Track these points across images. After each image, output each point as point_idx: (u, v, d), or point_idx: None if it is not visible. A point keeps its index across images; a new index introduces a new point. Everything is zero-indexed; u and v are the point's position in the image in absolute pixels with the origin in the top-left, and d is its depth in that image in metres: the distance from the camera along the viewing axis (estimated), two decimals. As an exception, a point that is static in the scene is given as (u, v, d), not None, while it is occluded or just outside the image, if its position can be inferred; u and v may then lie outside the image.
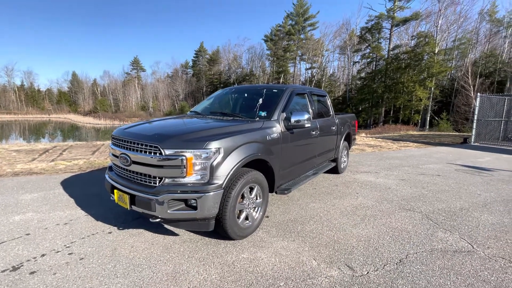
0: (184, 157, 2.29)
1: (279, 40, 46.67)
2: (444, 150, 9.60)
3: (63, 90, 79.50)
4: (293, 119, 3.28)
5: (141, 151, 2.47)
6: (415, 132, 19.38)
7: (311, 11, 44.53)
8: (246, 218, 2.78)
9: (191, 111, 4.22)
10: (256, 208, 2.91)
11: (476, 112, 11.65)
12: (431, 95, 29.29)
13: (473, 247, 2.66)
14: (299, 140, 3.63)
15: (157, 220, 2.40)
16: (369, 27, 35.33)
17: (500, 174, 5.93)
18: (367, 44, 37.24)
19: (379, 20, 34.01)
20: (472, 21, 34.08)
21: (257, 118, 3.29)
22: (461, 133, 17.85)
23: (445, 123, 23.21)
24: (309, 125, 3.39)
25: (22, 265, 2.21)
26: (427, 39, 29.10)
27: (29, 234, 2.75)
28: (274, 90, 3.84)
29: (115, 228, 2.92)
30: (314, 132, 4.01)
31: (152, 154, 2.38)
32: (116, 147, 2.76)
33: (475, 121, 11.71)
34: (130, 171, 2.60)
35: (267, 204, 3.13)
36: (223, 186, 2.42)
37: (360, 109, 35.43)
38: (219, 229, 2.57)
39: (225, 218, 2.46)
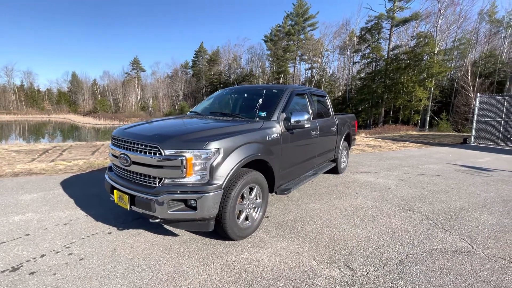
0: (184, 158, 2.29)
1: (279, 40, 46.69)
2: (443, 150, 9.60)
3: (63, 90, 79.54)
4: (293, 120, 3.28)
5: (141, 152, 2.47)
6: (414, 132, 19.39)
7: (310, 11, 44.63)
8: (246, 218, 2.78)
9: (191, 111, 4.22)
10: (256, 208, 2.91)
11: (476, 112, 11.66)
12: (431, 95, 29.30)
13: (472, 248, 2.66)
14: (299, 141, 3.63)
15: (157, 220, 2.40)
16: (368, 27, 35.36)
17: (499, 174, 5.93)
18: (367, 45, 37.26)
19: (378, 21, 34.04)
20: (471, 21, 34.18)
21: (257, 119, 3.29)
22: (461, 133, 17.86)
23: (444, 123, 23.21)
24: (309, 125, 3.39)
25: (21, 266, 2.21)
26: (426, 40, 29.12)
27: (28, 234, 2.75)
28: (274, 91, 3.84)
29: (115, 228, 2.92)
30: (314, 133, 4.01)
31: (152, 154, 2.38)
32: (116, 147, 2.76)
33: (474, 121, 11.72)
34: (130, 171, 2.60)
35: (267, 205, 3.13)
36: (223, 187, 2.42)
37: (359, 109, 35.44)
38: (219, 230, 2.57)
39: (225, 218, 2.46)
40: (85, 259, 2.33)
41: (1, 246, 2.52)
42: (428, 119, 29.41)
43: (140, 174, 2.51)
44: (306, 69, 48.75)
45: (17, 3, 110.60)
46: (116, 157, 2.72)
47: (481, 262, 2.39)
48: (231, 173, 2.46)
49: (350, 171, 5.92)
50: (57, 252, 2.42)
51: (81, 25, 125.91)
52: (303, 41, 44.87)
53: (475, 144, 11.45)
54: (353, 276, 2.16)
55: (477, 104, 11.61)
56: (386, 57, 33.64)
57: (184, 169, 2.30)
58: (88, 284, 2.00)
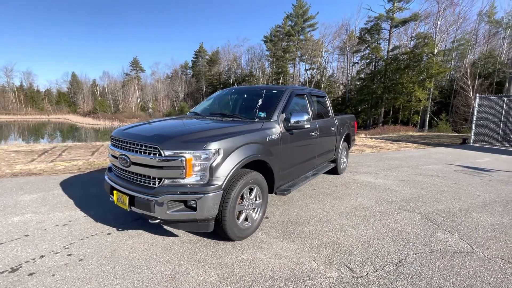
0: (183, 158, 2.29)
1: (279, 41, 46.74)
2: (443, 150, 9.61)
3: (63, 90, 79.49)
4: (292, 120, 3.28)
5: (140, 152, 2.47)
6: (414, 133, 19.41)
7: (310, 12, 44.71)
8: (246, 219, 2.78)
9: (190, 112, 4.22)
10: (256, 209, 2.91)
11: (475, 113, 11.67)
12: (430, 96, 29.35)
13: (472, 248, 2.66)
14: (298, 141, 3.63)
15: (157, 221, 2.39)
16: (368, 28, 35.41)
17: (499, 174, 5.94)
18: (366, 45, 37.32)
19: (378, 21, 34.10)
20: (471, 22, 34.27)
21: (257, 119, 3.29)
22: (460, 134, 17.88)
23: (444, 124, 23.24)
24: (308, 126, 3.39)
25: (21, 266, 2.21)
26: (426, 40, 29.19)
27: (28, 235, 2.75)
28: (273, 91, 3.84)
29: (114, 229, 2.92)
30: (313, 133, 4.01)
31: (152, 155, 2.38)
32: (116, 148, 2.75)
33: (474, 121, 11.74)
34: (129, 172, 2.60)
35: (267, 205, 3.13)
36: (222, 187, 2.42)
37: (359, 109, 35.48)
38: (218, 230, 2.57)
39: (224, 219, 2.46)
40: (84, 259, 2.33)
41: (0, 246, 2.51)
42: (427, 120, 29.45)
43: (140, 175, 2.51)
44: (306, 70, 48.86)
45: (17, 3, 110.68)
46: (116, 157, 2.72)
47: (481, 263, 2.39)
48: (230, 173, 2.46)
49: (349, 171, 5.92)
50: (57, 253, 2.42)
51: (81, 25, 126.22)
52: (303, 42, 44.93)
53: (475, 144, 11.46)
54: (352, 276, 2.16)
55: (476, 104, 11.63)
56: (385, 57, 33.70)
57: (184, 170, 2.30)
58: (87, 285, 2.00)
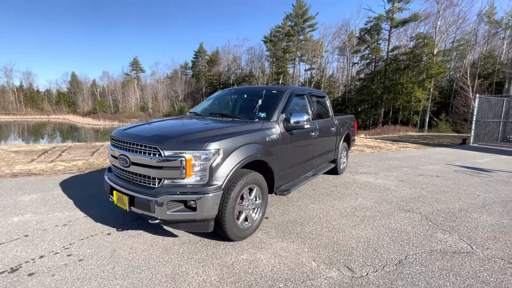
0: (183, 158, 2.29)
1: (279, 41, 46.76)
2: (443, 151, 9.62)
3: (62, 90, 79.47)
4: (292, 120, 3.28)
5: (140, 152, 2.47)
6: (414, 133, 19.42)
7: (310, 12, 44.73)
8: (246, 219, 2.78)
9: (190, 112, 4.22)
10: (256, 209, 2.91)
11: (475, 113, 11.68)
12: (430, 96, 29.36)
13: (472, 248, 2.66)
14: (298, 141, 3.64)
15: (156, 221, 2.39)
16: (368, 28, 35.43)
17: (499, 175, 5.94)
18: (366, 45, 37.34)
19: (378, 21, 34.12)
20: (470, 22, 34.31)
21: (257, 119, 3.29)
22: (460, 134, 17.89)
23: (444, 124, 23.24)
24: (308, 126, 3.38)
25: (20, 267, 2.21)
26: (426, 40, 29.20)
27: (27, 235, 2.74)
28: (273, 91, 3.84)
29: (114, 229, 2.92)
30: (313, 133, 4.01)
31: (152, 155, 2.38)
32: (115, 148, 2.75)
33: (474, 122, 11.74)
34: (129, 172, 2.60)
35: (267, 205, 3.13)
36: (222, 187, 2.42)
37: (359, 110, 35.49)
38: (218, 230, 2.57)
39: (224, 219, 2.46)
40: (84, 260, 2.32)
41: (0, 247, 2.51)
42: (427, 120, 29.46)
43: (140, 175, 2.51)
44: (306, 70, 48.88)
45: (16, 3, 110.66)
46: (116, 158, 2.72)
47: (481, 263, 2.39)
48: (230, 174, 2.46)
49: (349, 171, 5.92)
50: (56, 253, 2.41)
51: (81, 25, 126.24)
52: (303, 42, 44.95)
53: (474, 144, 11.47)
54: (352, 277, 2.16)
55: (476, 105, 11.64)
56: (385, 58, 33.72)
57: (184, 170, 2.30)
58: (87, 285, 2.00)
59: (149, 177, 2.43)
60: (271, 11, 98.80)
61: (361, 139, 13.07)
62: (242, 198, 2.69)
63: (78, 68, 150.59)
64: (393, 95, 30.81)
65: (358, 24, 41.58)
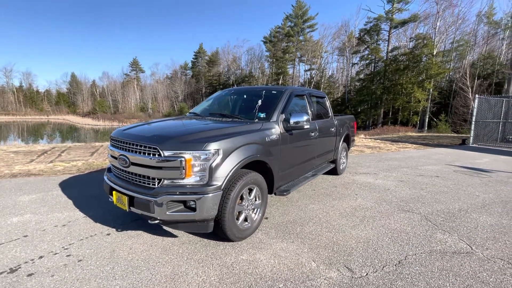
0: (183, 159, 2.29)
1: (278, 41, 46.82)
2: (442, 151, 9.62)
3: (62, 91, 79.45)
4: (292, 121, 3.28)
5: (140, 153, 2.46)
6: (413, 134, 19.43)
7: (310, 13, 44.84)
8: (245, 219, 2.77)
9: (190, 113, 4.22)
10: (255, 209, 2.91)
11: (475, 113, 11.69)
12: (430, 97, 29.40)
13: (472, 248, 2.66)
14: (298, 142, 3.64)
15: (156, 221, 2.39)
16: (367, 29, 35.51)
17: (498, 175, 5.94)
18: (365, 46, 37.41)
19: (377, 22, 34.20)
20: (470, 23, 34.40)
21: (256, 120, 3.30)
22: (460, 135, 17.91)
23: (443, 125, 23.26)
24: (308, 126, 3.39)
25: (19, 267, 2.20)
26: (425, 41, 29.27)
27: (27, 236, 2.74)
28: (273, 92, 3.84)
29: (114, 229, 2.91)
30: (313, 134, 4.02)
31: (151, 155, 2.38)
32: (115, 148, 2.75)
33: (473, 122, 11.76)
34: (129, 172, 2.60)
35: (266, 206, 3.13)
36: (222, 188, 2.42)
37: (359, 110, 35.52)
38: (218, 231, 2.57)
39: (224, 219, 2.45)
40: (83, 260, 2.32)
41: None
42: (427, 120, 29.50)
43: (139, 175, 2.50)
44: (305, 70, 48.97)
45: (16, 3, 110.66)
46: (115, 158, 2.72)
47: (480, 263, 2.39)
48: (230, 174, 2.46)
49: (349, 172, 5.93)
50: (56, 254, 2.41)
51: (81, 25, 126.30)
52: (302, 43, 45.00)
53: (474, 145, 11.48)
54: (352, 277, 2.16)
55: (475, 105, 11.65)
56: (385, 58, 33.79)
57: (183, 170, 2.30)
58: (86, 286, 1.99)
59: (148, 177, 2.43)
60: (271, 11, 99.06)
61: (360, 140, 13.08)
62: (241, 198, 2.69)
63: (78, 69, 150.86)
64: (392, 95, 30.85)
65: (357, 24, 41.71)
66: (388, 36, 33.99)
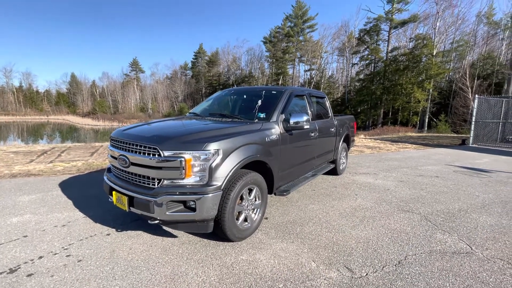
0: (183, 159, 2.29)
1: (278, 42, 46.85)
2: (442, 151, 9.63)
3: (62, 91, 79.38)
4: (292, 121, 3.28)
5: (139, 153, 2.46)
6: (413, 134, 19.44)
7: (310, 13, 44.86)
8: (245, 219, 2.77)
9: (190, 113, 4.22)
10: (255, 209, 2.91)
11: (474, 113, 11.70)
12: (430, 97, 29.42)
13: (471, 249, 2.66)
14: (298, 142, 3.64)
15: (156, 221, 2.39)
16: (367, 29, 35.54)
17: (498, 175, 5.95)
18: (365, 46, 37.44)
19: (377, 22, 34.22)
20: (469, 23, 34.44)
21: (256, 120, 3.30)
22: (460, 135, 17.92)
23: (443, 125, 23.26)
24: (308, 126, 3.39)
25: (19, 267, 2.20)
26: (425, 41, 29.29)
27: (26, 236, 2.74)
28: (273, 92, 3.84)
29: (114, 230, 2.91)
30: (313, 134, 4.02)
31: (151, 155, 2.38)
32: (115, 148, 2.75)
33: (473, 122, 11.76)
34: (128, 172, 2.60)
35: (266, 206, 3.13)
36: (222, 188, 2.42)
37: (358, 110, 35.54)
38: (218, 231, 2.57)
39: (224, 219, 2.45)
40: (83, 260, 2.32)
41: (-1, 247, 2.50)
42: (426, 121, 29.51)
43: (139, 175, 2.50)
44: (305, 71, 48.98)
45: (16, 3, 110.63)
46: (115, 158, 2.71)
47: (480, 263, 2.39)
48: (230, 174, 2.46)
49: (349, 172, 5.93)
50: (55, 254, 2.41)
51: (81, 25, 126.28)
52: (302, 43, 45.03)
53: (474, 145, 11.49)
54: (352, 277, 2.16)
55: (475, 105, 11.66)
56: (384, 58, 33.81)
57: (183, 170, 2.30)
58: (86, 286, 1.99)
59: (148, 177, 2.43)
60: (271, 12, 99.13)
61: (360, 140, 13.09)
62: (241, 198, 2.69)
63: (78, 69, 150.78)
64: (392, 95, 30.87)
65: (357, 25, 41.71)
66: (388, 36, 34.02)
